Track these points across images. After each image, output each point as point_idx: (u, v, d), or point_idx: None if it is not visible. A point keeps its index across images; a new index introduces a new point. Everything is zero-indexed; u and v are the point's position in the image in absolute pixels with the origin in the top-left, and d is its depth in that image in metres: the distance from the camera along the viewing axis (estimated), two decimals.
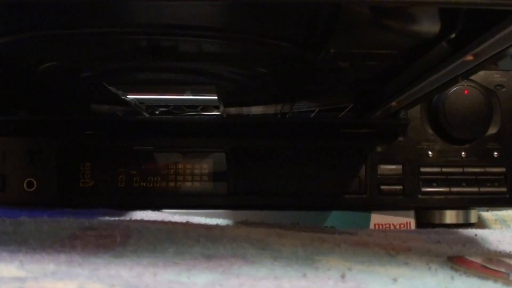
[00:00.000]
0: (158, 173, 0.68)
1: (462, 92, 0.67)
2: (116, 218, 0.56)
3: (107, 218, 0.59)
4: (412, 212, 0.70)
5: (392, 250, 0.43)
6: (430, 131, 0.69)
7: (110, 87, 0.58)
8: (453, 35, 0.41)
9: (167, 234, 0.44)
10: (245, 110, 0.71)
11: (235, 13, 0.42)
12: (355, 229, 0.63)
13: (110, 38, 0.47)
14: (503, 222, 0.75)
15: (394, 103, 0.58)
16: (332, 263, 0.38)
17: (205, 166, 0.68)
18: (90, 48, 0.49)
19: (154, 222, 0.52)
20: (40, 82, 0.59)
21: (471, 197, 0.68)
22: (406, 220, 0.70)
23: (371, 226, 0.70)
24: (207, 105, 0.68)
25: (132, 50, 0.50)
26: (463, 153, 0.69)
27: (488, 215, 0.76)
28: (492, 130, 0.69)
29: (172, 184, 0.67)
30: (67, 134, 0.68)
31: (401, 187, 0.68)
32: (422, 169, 0.68)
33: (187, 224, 0.52)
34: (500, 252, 0.49)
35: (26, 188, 0.67)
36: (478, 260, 0.40)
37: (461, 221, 0.71)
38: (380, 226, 0.70)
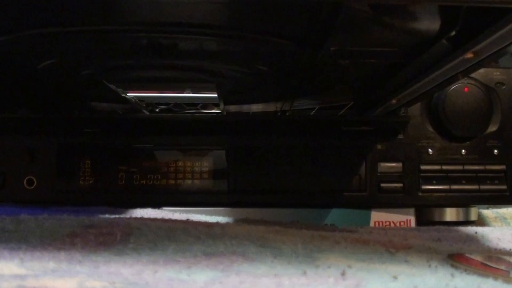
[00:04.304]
0: (158, 171, 0.68)
1: (462, 90, 0.67)
2: (116, 216, 0.56)
3: (107, 215, 0.59)
4: (412, 210, 0.70)
5: (392, 247, 0.43)
6: (430, 128, 0.69)
7: (110, 85, 0.58)
8: (453, 33, 0.41)
9: (167, 232, 0.44)
10: (245, 107, 0.71)
11: (235, 11, 0.42)
12: (355, 226, 0.63)
13: (110, 36, 0.47)
14: (503, 219, 0.75)
15: (394, 101, 0.58)
16: (332, 260, 0.38)
17: (205, 164, 0.68)
18: (90, 46, 0.49)
19: (154, 219, 0.52)
20: (40, 80, 0.60)
21: (471, 195, 0.68)
22: (406, 218, 0.70)
23: (371, 224, 0.70)
24: (207, 103, 0.68)
25: (132, 48, 0.50)
26: (463, 150, 0.69)
27: (488, 212, 0.76)
28: (492, 128, 0.69)
29: (172, 182, 0.67)
30: (67, 131, 0.68)
31: (401, 184, 0.68)
32: (422, 167, 0.68)
33: (187, 222, 0.52)
34: (500, 249, 0.49)
35: (26, 186, 0.67)
36: (478, 257, 0.40)
37: (461, 219, 0.71)
38: (380, 223, 0.70)
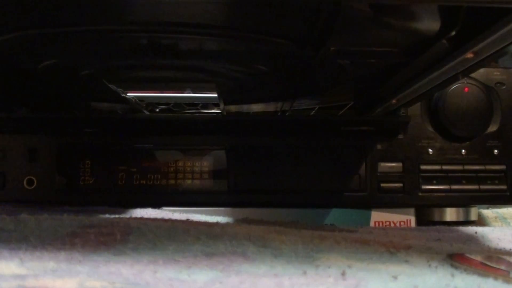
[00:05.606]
0: (158, 170, 0.68)
1: (462, 90, 0.67)
2: (116, 216, 0.56)
3: (107, 215, 0.59)
4: (412, 210, 0.70)
5: (392, 247, 0.43)
6: (430, 128, 0.69)
7: (110, 85, 0.58)
8: (453, 33, 0.41)
9: (167, 232, 0.44)
10: (245, 107, 0.71)
11: (235, 11, 0.42)
12: (355, 226, 0.63)
13: (110, 36, 0.47)
14: (503, 219, 0.75)
15: (394, 101, 0.58)
16: (332, 260, 0.38)
17: (205, 163, 0.68)
18: (90, 46, 0.49)
19: (154, 219, 0.52)
20: (40, 80, 0.59)
21: (471, 195, 0.68)
22: (406, 218, 0.70)
23: (371, 224, 0.70)
24: (207, 103, 0.68)
25: (132, 48, 0.50)
26: (463, 150, 0.69)
27: (488, 212, 0.76)
28: (492, 128, 0.69)
29: (172, 181, 0.67)
30: (67, 131, 0.68)
31: (401, 184, 0.68)
32: (422, 167, 0.68)
33: (187, 222, 0.52)
34: (500, 249, 0.49)
35: (26, 186, 0.67)
36: (478, 257, 0.40)
37: (461, 219, 0.71)
38: (380, 223, 0.70)
